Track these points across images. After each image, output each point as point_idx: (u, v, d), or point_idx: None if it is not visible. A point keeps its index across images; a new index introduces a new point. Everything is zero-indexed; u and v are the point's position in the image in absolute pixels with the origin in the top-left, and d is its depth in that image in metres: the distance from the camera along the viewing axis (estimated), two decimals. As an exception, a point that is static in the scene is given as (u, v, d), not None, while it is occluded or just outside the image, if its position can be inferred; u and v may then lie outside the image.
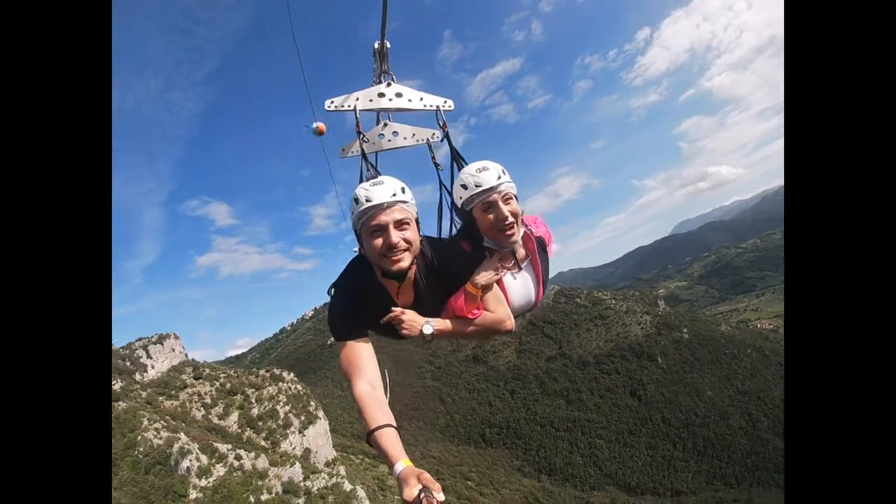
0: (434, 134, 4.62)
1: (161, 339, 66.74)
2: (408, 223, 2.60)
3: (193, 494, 37.28)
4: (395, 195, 2.57)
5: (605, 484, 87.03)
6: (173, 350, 67.21)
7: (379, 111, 4.50)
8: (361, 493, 42.49)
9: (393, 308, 2.72)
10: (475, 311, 2.91)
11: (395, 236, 2.53)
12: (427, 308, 2.88)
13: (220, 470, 40.09)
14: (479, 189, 2.96)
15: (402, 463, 1.95)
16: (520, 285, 3.22)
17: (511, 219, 2.97)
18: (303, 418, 56.56)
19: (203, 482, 38.43)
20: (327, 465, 56.02)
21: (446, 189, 3.83)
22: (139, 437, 41.60)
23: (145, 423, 43.68)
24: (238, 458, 41.97)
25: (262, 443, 53.71)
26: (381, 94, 4.34)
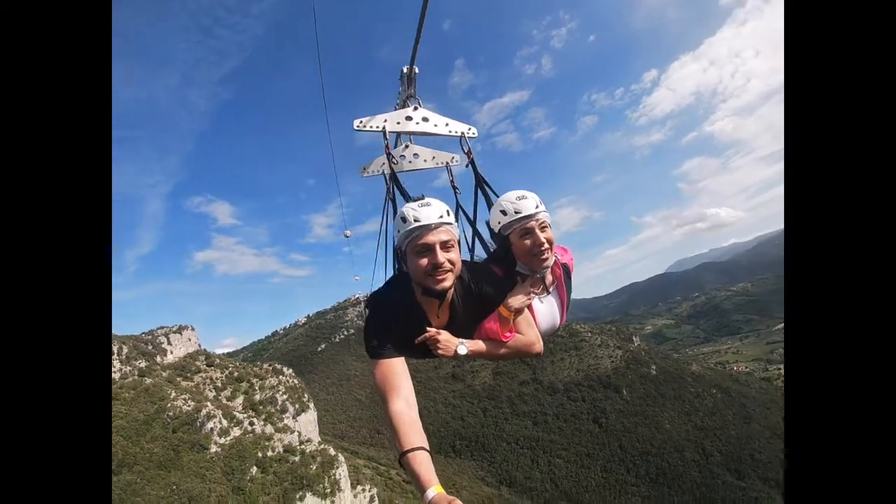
0: (454, 158, 4.99)
1: (180, 329, 78.52)
2: (452, 245, 2.65)
3: (214, 448, 48.95)
4: (442, 217, 2.63)
5: (558, 499, 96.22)
6: (189, 340, 78.90)
7: (405, 134, 4.74)
8: (341, 457, 54.32)
9: (428, 328, 2.75)
10: (508, 334, 3.00)
11: (442, 256, 2.56)
12: (460, 329, 2.92)
13: (236, 432, 51.82)
14: (519, 216, 3.06)
15: (435, 489, 1.91)
16: (546, 310, 3.34)
17: (547, 245, 3.07)
18: (297, 406, 66.93)
19: (222, 440, 50.12)
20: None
21: (463, 211, 4.09)
22: (168, 404, 53.48)
23: (173, 394, 55.57)
24: (251, 423, 53.85)
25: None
26: (409, 118, 4.52)
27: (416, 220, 2.59)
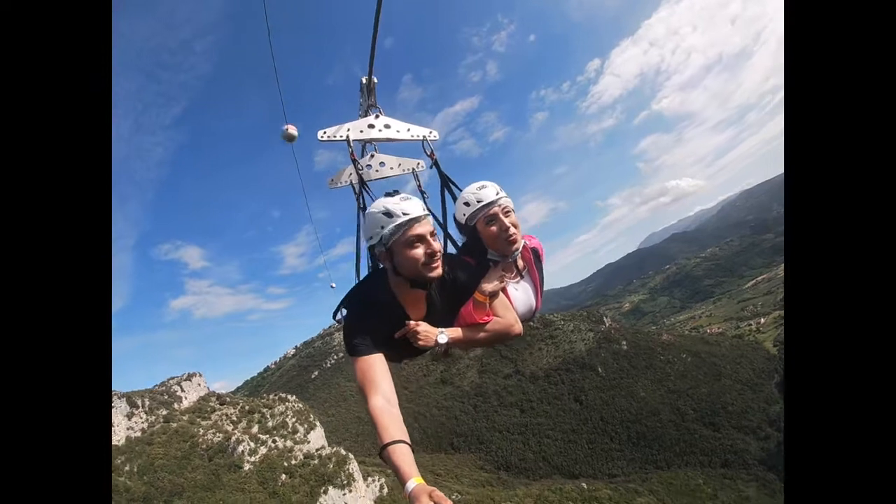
0: (419, 163, 5.08)
1: (189, 377, 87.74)
2: (434, 235, 2.74)
3: (247, 466, 60.14)
4: (424, 209, 2.72)
5: (551, 473, 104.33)
6: (199, 385, 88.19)
7: (368, 142, 4.77)
8: (351, 455, 66.23)
9: (407, 322, 2.82)
10: (485, 317, 3.08)
11: (436, 245, 2.67)
12: (438, 321, 2.98)
13: (262, 450, 63.01)
14: (481, 204, 3.20)
15: (415, 480, 1.95)
16: (521, 294, 3.43)
17: (513, 229, 3.21)
18: (306, 426, 76.69)
19: (252, 458, 61.29)
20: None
21: (432, 214, 3.83)
22: (199, 439, 64.55)
23: (200, 430, 66.58)
24: (273, 441, 65.13)
25: (278, 445, 75.40)
26: (371, 126, 4.53)
27: (404, 214, 2.64)
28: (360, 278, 3.82)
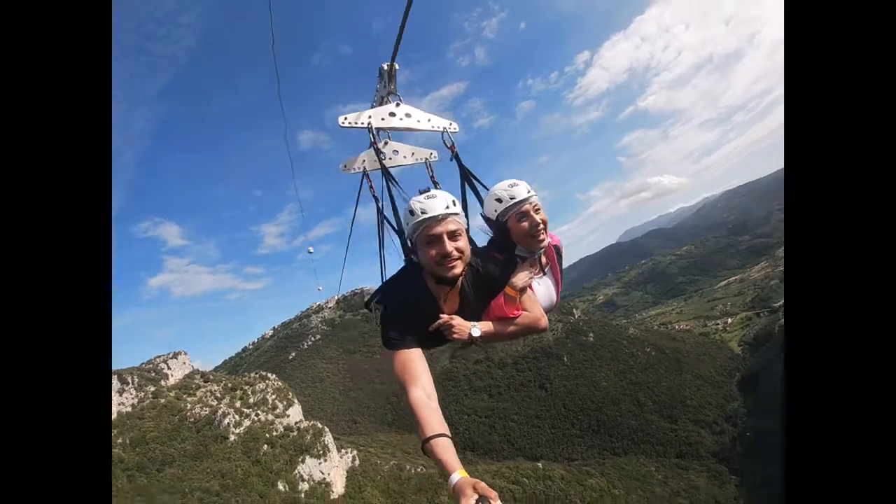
0: (432, 153, 5.14)
1: (175, 355, 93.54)
2: (460, 234, 2.79)
3: (232, 437, 66.80)
4: (448, 207, 2.77)
5: (515, 455, 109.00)
6: (184, 363, 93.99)
7: (390, 130, 4.80)
8: (326, 429, 73.35)
9: (441, 315, 2.87)
10: (516, 311, 3.16)
11: (449, 246, 2.71)
12: (471, 314, 3.04)
13: (246, 423, 69.57)
14: (514, 201, 3.33)
15: (459, 473, 1.97)
16: (543, 289, 3.55)
17: (542, 226, 3.35)
18: (284, 403, 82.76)
19: (237, 430, 67.94)
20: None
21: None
22: (188, 413, 70.97)
23: (188, 405, 72.92)
24: (257, 415, 71.72)
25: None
26: (392, 114, 4.61)
27: (422, 213, 2.74)
28: (383, 269, 4.10)
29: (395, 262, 3.95)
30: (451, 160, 4.65)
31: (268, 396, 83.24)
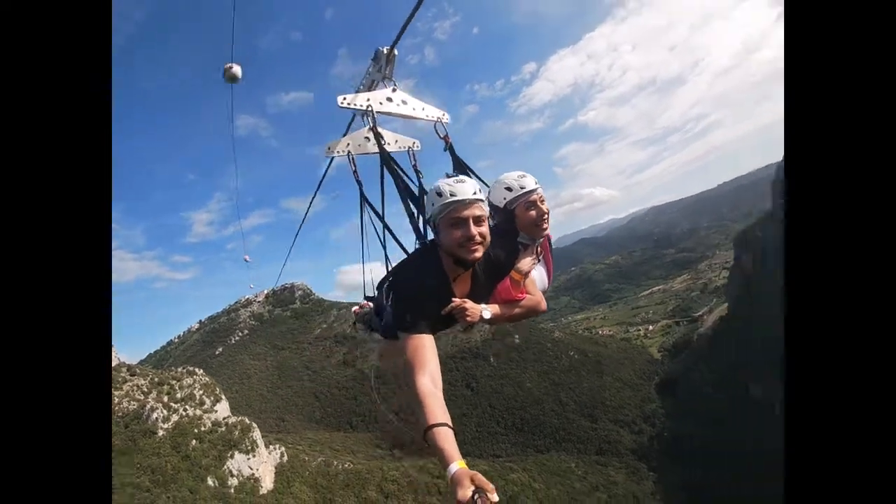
0: (415, 143, 5.26)
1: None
2: (483, 220, 2.86)
3: (160, 432, 66.42)
4: (475, 193, 2.84)
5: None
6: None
7: (386, 115, 4.86)
8: (254, 424, 73.71)
9: (454, 299, 2.95)
10: (521, 294, 3.34)
11: (474, 230, 2.78)
12: (480, 296, 3.17)
13: (174, 417, 69.02)
14: (524, 190, 3.51)
15: (458, 464, 1.97)
16: (537, 275, 3.72)
17: (547, 215, 3.56)
18: (212, 398, 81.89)
19: (166, 425, 67.48)
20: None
21: (425, 192, 4.05)
22: (116, 408, 70.15)
23: (116, 399, 72.03)
24: (185, 410, 71.41)
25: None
26: (389, 99, 4.71)
27: (451, 195, 2.80)
28: (363, 254, 4.21)
29: (376, 250, 4.46)
30: (445, 150, 4.82)
31: (195, 392, 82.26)
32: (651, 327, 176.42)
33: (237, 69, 5.34)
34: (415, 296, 2.90)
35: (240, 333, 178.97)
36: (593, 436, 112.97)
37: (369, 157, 5.09)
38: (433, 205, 2.90)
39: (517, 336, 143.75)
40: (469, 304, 3.07)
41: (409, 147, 5.31)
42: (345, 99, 4.56)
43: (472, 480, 1.86)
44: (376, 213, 4.69)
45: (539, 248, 3.82)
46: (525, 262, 3.48)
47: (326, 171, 5.62)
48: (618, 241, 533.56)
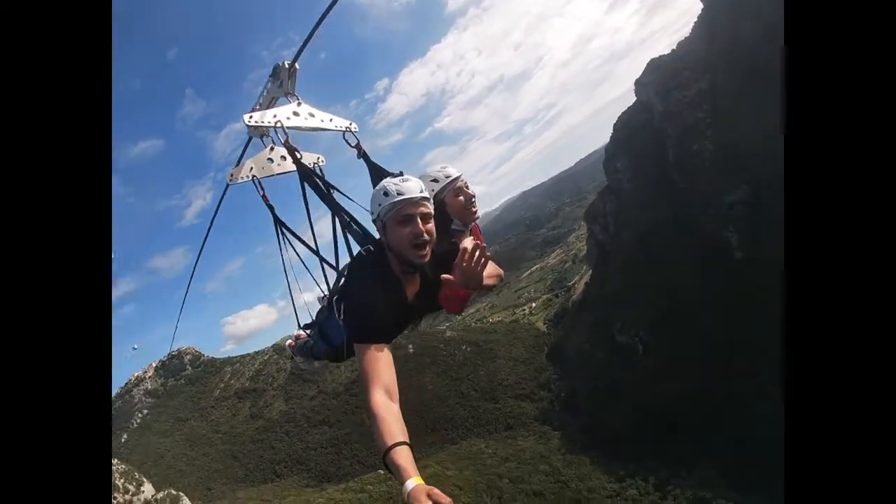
0: (319, 158, 5.13)
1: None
2: (430, 219, 2.86)
3: None
4: (422, 192, 2.83)
5: (366, 472, 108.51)
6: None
7: (295, 129, 4.66)
8: (182, 494, 79.22)
9: (443, 276, 2.74)
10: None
11: (422, 227, 2.77)
12: (430, 292, 3.11)
13: None
14: (450, 179, 3.63)
15: (414, 480, 1.94)
16: None
17: (475, 198, 3.67)
18: (134, 484, 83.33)
19: None
20: None
21: (346, 203, 4.07)
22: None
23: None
24: (115, 500, 74.24)
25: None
26: (296, 114, 4.55)
27: (399, 194, 2.77)
28: (290, 285, 4.15)
29: (304, 277, 4.59)
30: (359, 158, 4.79)
31: (117, 482, 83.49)
32: (534, 304, 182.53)
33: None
34: (369, 301, 2.82)
35: (139, 415, 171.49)
36: (499, 415, 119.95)
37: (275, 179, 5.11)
38: (380, 204, 2.87)
39: (411, 346, 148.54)
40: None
41: (315, 163, 5.17)
42: (251, 117, 4.44)
43: (429, 496, 1.83)
44: (293, 234, 4.84)
45: (470, 233, 3.93)
46: (467, 242, 3.33)
47: (221, 200, 5.41)
48: (494, 231, 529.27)
